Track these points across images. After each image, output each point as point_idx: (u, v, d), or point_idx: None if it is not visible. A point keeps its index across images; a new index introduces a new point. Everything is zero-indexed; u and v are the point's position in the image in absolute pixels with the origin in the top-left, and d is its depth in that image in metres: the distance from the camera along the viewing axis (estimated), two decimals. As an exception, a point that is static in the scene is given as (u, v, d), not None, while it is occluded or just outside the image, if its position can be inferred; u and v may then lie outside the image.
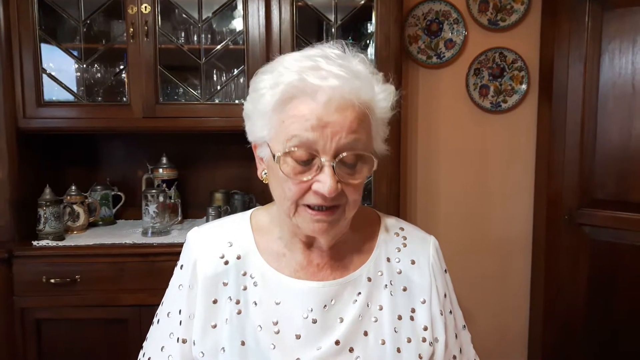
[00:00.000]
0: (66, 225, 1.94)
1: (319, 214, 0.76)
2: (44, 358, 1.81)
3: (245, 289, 0.82)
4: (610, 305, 2.03)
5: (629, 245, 1.98)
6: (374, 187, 1.94)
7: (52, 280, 1.76)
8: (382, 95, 0.77)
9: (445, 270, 0.89)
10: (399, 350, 0.81)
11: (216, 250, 0.84)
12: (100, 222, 2.09)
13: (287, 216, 0.78)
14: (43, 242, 1.82)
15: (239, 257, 0.84)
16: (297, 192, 0.75)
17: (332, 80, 0.72)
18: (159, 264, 1.78)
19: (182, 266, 0.86)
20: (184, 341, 0.81)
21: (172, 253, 0.88)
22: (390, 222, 0.91)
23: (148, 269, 1.79)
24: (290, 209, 0.77)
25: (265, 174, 0.82)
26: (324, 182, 0.73)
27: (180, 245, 0.88)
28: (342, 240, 0.84)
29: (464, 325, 0.91)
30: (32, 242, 1.83)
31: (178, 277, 0.86)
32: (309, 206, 0.76)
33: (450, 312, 0.87)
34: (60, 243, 1.83)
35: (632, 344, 1.99)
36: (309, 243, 0.83)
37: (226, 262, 0.83)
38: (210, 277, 0.82)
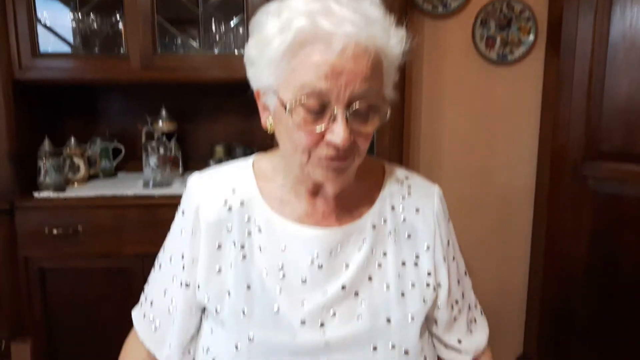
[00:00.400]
0: (66, 177, 1.93)
1: (333, 161, 0.74)
2: (49, 307, 1.83)
3: (249, 234, 0.81)
4: (613, 257, 2.04)
5: (633, 198, 1.97)
6: (377, 137, 1.92)
7: (55, 231, 1.76)
8: (395, 40, 0.74)
9: (449, 220, 0.89)
10: (403, 294, 0.81)
11: (219, 196, 0.83)
12: (101, 175, 2.09)
13: (297, 165, 0.77)
14: (44, 194, 1.82)
15: (242, 203, 0.83)
16: (308, 142, 0.73)
17: (347, 26, 0.68)
18: (161, 216, 1.78)
19: (183, 212, 0.85)
20: (187, 285, 0.81)
21: (174, 205, 0.87)
22: (395, 171, 0.90)
23: (150, 220, 1.79)
24: (303, 158, 0.75)
25: (270, 122, 0.80)
26: (338, 133, 0.70)
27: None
28: (347, 188, 0.83)
29: (466, 272, 0.92)
30: (33, 193, 1.82)
31: (180, 222, 0.85)
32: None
33: (453, 258, 0.88)
34: (61, 194, 1.83)
35: (633, 297, 2.01)
36: (315, 191, 0.82)
37: (229, 208, 0.82)
38: (214, 223, 0.81)
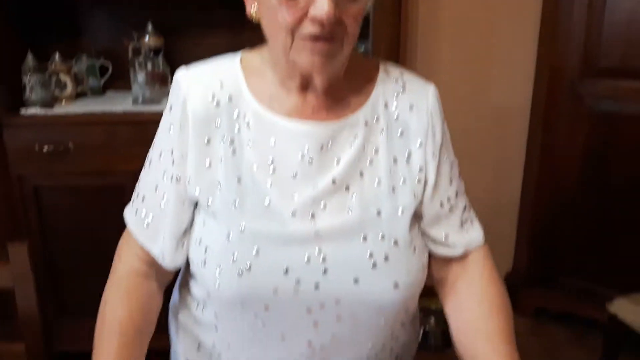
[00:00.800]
0: (53, 94, 1.88)
1: (318, 43, 0.71)
2: (45, 225, 1.85)
3: (238, 130, 0.80)
4: (605, 175, 2.06)
5: (629, 115, 1.96)
6: (373, 43, 1.88)
7: (45, 148, 1.74)
8: None
9: (443, 120, 0.87)
10: (393, 189, 0.81)
11: (206, 90, 0.81)
12: (89, 93, 2.04)
13: (282, 53, 0.74)
14: (31, 110, 1.78)
15: (230, 99, 0.81)
16: (291, 19, 0.70)
17: None
18: (151, 133, 1.72)
19: (171, 107, 0.83)
20: (178, 179, 0.80)
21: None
22: (390, 68, 0.87)
23: (140, 137, 1.75)
24: (286, 41, 0.72)
25: (255, 10, 0.77)
26: (321, 6, 0.68)
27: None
28: (337, 83, 0.81)
29: (459, 175, 0.91)
30: (20, 110, 1.79)
31: (167, 118, 0.83)
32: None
33: (446, 158, 0.87)
34: (49, 111, 1.80)
35: (624, 213, 2.04)
36: (304, 84, 0.80)
37: (217, 104, 0.80)
38: (201, 118, 0.79)
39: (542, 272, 2.30)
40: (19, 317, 0.99)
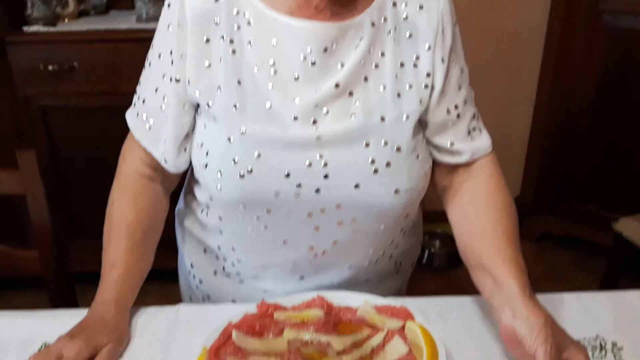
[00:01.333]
0: (55, 12, 1.84)
1: None
2: (54, 145, 1.86)
3: (238, 28, 0.77)
4: (621, 96, 2.00)
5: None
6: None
7: (50, 67, 1.73)
8: None
9: (455, 23, 0.83)
10: (399, 95, 0.79)
11: None
12: (92, 12, 1.99)
13: None
14: (34, 28, 1.75)
15: None
16: None
17: None
18: (157, 51, 1.72)
19: (169, 4, 0.80)
20: (177, 80, 0.79)
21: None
22: None
23: (146, 55, 1.73)
24: None
25: None
26: None
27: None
28: None
29: (469, 83, 0.87)
30: (23, 27, 1.75)
31: (166, 16, 0.81)
32: None
33: (456, 63, 0.83)
34: (52, 29, 1.76)
35: (638, 136, 2.00)
36: None
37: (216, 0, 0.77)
38: (200, 14, 0.77)
39: (550, 197, 2.30)
40: (31, 223, 1.01)
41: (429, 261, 2.21)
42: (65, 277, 1.07)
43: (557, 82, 2.12)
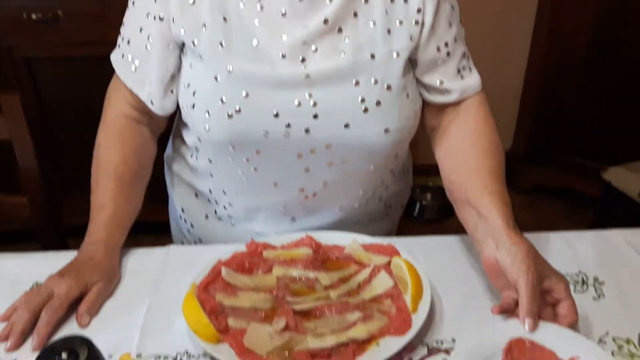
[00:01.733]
0: (37, -42, 1.77)
1: None
2: (40, 96, 1.83)
3: (222, -37, 0.75)
4: (614, 53, 1.97)
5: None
6: None
7: (34, 16, 1.68)
8: None
9: None
10: (389, 31, 0.77)
11: None
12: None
13: None
14: (15, -26, 1.69)
15: None
16: None
17: None
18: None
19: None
20: (162, 19, 0.77)
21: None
22: None
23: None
24: None
25: None
26: None
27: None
28: None
29: (459, 20, 0.85)
30: (2, -28, 1.70)
31: (149, -48, 0.78)
32: None
33: (446, 0, 0.81)
34: (34, -26, 1.70)
35: (630, 95, 1.99)
36: None
37: None
38: (184, -52, 0.74)
39: (541, 150, 2.31)
40: (19, 169, 1.01)
41: (420, 214, 2.23)
42: (58, 229, 1.08)
43: (551, 36, 2.09)
